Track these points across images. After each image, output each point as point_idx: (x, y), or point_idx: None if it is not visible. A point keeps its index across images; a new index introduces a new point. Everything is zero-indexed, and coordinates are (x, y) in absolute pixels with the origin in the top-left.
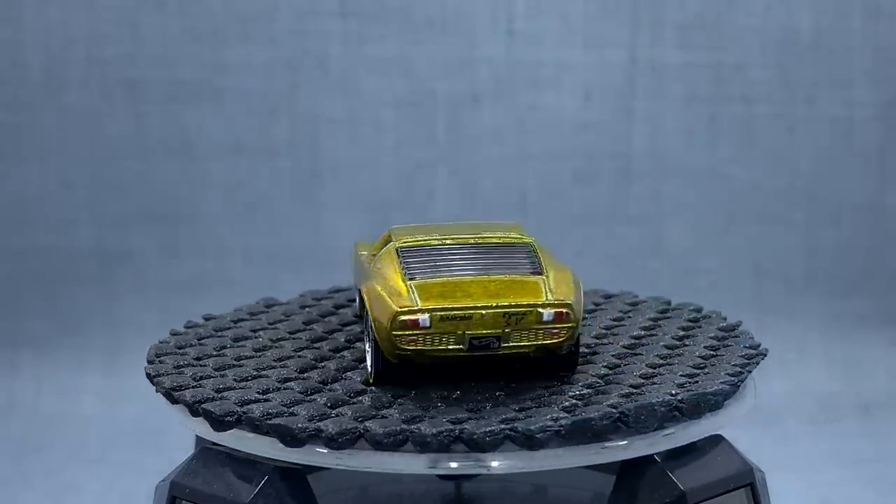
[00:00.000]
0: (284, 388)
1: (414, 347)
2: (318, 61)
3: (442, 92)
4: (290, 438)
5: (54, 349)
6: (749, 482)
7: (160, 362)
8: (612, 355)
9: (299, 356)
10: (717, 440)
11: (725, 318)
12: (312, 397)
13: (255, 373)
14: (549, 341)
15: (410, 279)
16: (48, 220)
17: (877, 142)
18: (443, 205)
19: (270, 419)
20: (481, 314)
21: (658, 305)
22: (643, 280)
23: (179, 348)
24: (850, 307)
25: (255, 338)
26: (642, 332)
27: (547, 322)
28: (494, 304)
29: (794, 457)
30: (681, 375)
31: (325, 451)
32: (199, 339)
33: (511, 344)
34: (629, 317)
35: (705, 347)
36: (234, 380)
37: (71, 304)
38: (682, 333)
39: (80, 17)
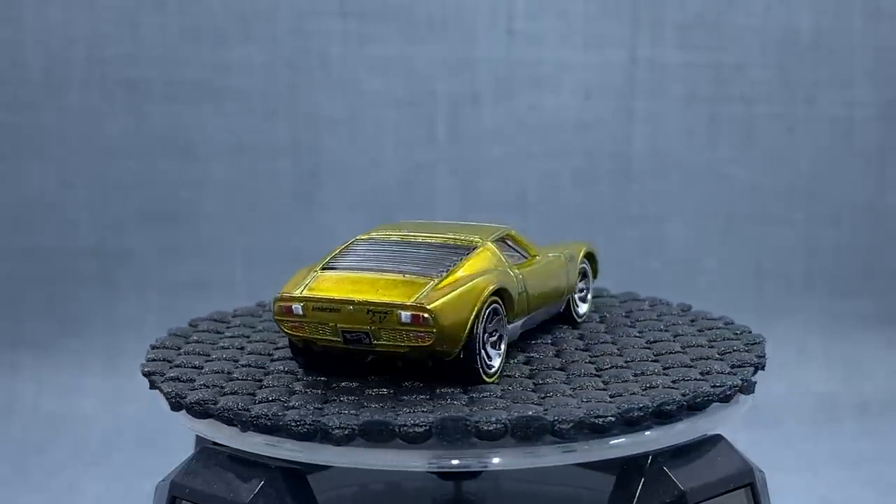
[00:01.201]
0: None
1: (298, 334)
2: (318, 61)
3: (442, 92)
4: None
5: (55, 350)
6: (749, 482)
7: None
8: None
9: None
10: (717, 440)
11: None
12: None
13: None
14: (414, 344)
15: (324, 269)
16: (48, 220)
17: (877, 142)
18: (443, 205)
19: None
20: (349, 309)
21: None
22: (643, 280)
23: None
24: (850, 307)
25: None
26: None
27: (406, 324)
28: (357, 300)
29: (793, 457)
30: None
31: (326, 447)
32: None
33: (383, 342)
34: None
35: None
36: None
37: (71, 304)
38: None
39: (80, 17)
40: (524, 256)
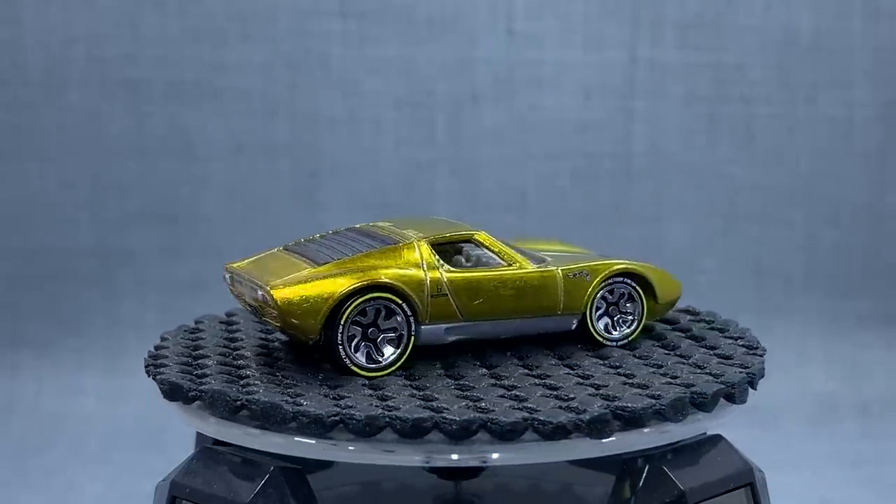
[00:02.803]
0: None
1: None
2: (318, 61)
3: (442, 92)
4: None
5: (55, 349)
6: (749, 482)
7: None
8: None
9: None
10: (717, 440)
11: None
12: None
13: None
14: (274, 323)
15: (282, 249)
16: (48, 220)
17: (877, 142)
18: (443, 205)
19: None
20: (248, 284)
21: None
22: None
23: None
24: (850, 307)
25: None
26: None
27: (265, 303)
28: (247, 277)
29: (793, 457)
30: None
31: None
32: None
33: (265, 317)
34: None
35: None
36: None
37: (71, 304)
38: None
39: (80, 17)
40: (500, 262)
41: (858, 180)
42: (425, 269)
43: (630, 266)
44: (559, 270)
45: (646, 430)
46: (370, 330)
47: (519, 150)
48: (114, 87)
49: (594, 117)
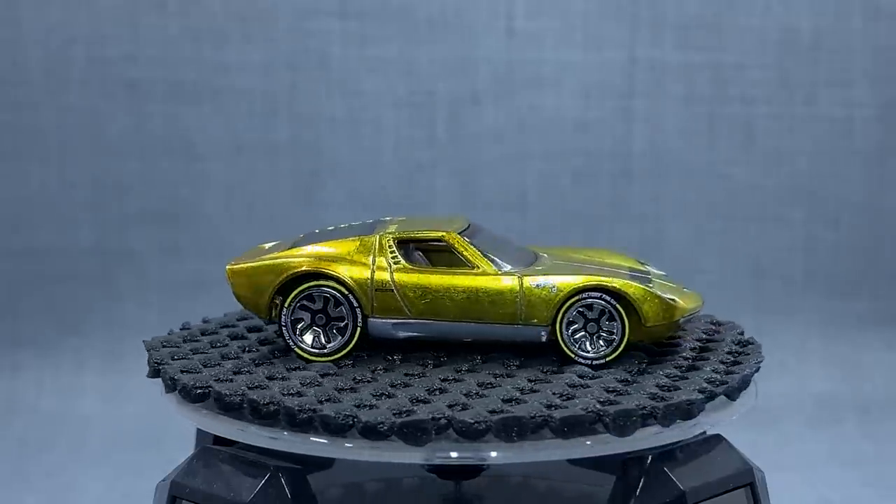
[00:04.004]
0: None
1: None
2: (318, 61)
3: (442, 92)
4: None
5: (55, 349)
6: (749, 482)
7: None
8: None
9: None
10: (717, 440)
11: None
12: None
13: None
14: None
15: (304, 235)
16: (48, 220)
17: (876, 142)
18: (443, 205)
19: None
20: None
21: None
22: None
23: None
24: (850, 307)
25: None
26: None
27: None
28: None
29: (793, 457)
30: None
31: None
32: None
33: None
34: None
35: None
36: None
37: (71, 304)
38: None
39: (80, 17)
40: (467, 264)
41: (858, 180)
42: (374, 263)
43: (603, 282)
44: (521, 280)
45: (649, 430)
46: (317, 316)
47: (519, 149)
48: (114, 87)
49: (594, 117)
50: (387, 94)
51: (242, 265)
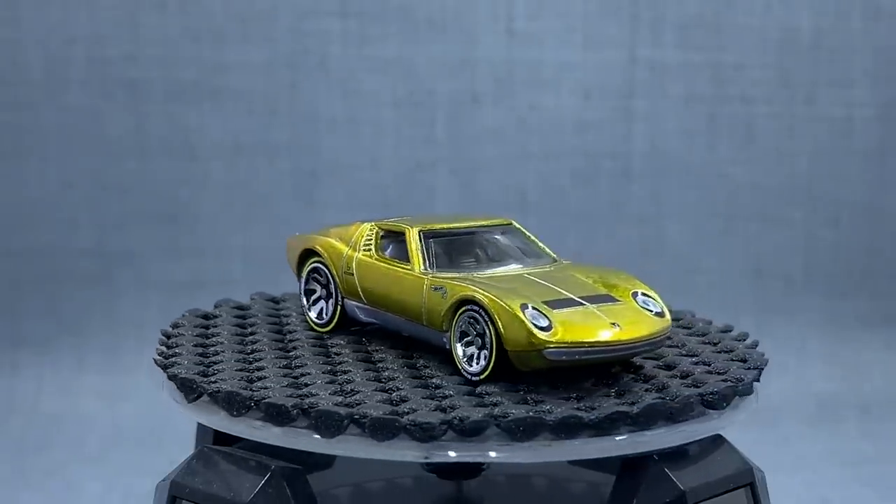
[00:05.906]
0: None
1: None
2: (318, 61)
3: (442, 92)
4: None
5: (55, 349)
6: (749, 482)
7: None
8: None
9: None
10: (717, 440)
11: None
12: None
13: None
14: None
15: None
16: (48, 220)
17: (876, 142)
18: (443, 205)
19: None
20: None
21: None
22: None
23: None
24: (850, 307)
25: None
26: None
27: None
28: None
29: (793, 457)
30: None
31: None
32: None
33: None
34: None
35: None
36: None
37: (71, 304)
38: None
39: (80, 17)
40: (406, 260)
41: (858, 180)
42: (350, 246)
43: (474, 293)
44: (426, 280)
45: (651, 430)
46: (323, 290)
47: (519, 149)
48: (114, 87)
49: (594, 117)
50: (386, 94)
51: (292, 239)
